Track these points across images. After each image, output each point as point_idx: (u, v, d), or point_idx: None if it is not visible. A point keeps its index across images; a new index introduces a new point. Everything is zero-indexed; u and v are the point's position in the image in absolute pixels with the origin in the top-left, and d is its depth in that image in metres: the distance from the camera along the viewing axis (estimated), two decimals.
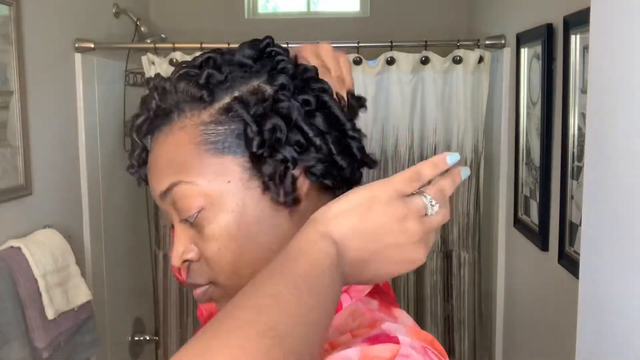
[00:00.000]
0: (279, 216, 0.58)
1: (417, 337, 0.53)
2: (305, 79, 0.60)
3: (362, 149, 0.63)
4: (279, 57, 0.60)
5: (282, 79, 0.59)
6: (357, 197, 0.52)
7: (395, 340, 0.51)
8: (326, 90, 0.60)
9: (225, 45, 2.30)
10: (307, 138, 0.58)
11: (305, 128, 0.58)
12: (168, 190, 0.58)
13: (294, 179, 0.58)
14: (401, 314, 0.59)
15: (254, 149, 0.56)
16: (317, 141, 0.58)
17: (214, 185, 0.57)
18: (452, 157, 0.55)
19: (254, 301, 0.45)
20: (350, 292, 0.60)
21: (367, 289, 0.61)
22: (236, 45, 0.63)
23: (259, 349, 0.41)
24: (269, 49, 0.61)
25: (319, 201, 0.60)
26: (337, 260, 0.50)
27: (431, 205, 0.53)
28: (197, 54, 0.64)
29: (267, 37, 0.63)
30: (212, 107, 0.58)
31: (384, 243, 0.51)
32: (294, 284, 0.46)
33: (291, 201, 0.58)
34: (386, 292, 0.64)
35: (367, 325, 0.56)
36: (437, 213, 0.53)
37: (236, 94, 0.59)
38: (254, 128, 0.57)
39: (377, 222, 0.51)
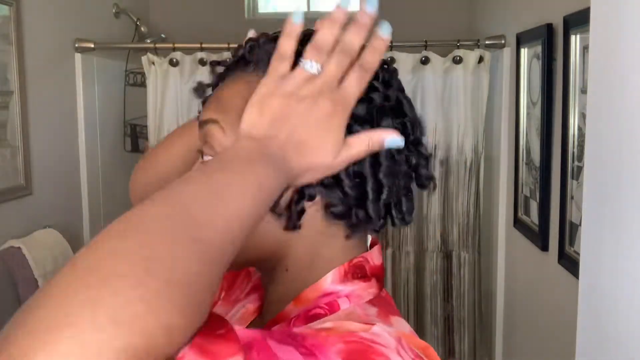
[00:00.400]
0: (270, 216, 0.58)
1: (410, 342, 0.52)
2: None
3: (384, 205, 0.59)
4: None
5: None
6: (251, 102, 0.54)
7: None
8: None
9: (225, 45, 2.32)
10: (337, 177, 0.56)
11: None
12: (206, 121, 0.59)
13: (302, 211, 0.56)
14: (398, 322, 0.58)
15: None
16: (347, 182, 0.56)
17: None
18: (296, 16, 0.55)
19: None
20: (350, 297, 0.60)
21: (368, 296, 0.60)
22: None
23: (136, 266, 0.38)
24: None
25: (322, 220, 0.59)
26: (257, 149, 0.51)
27: (308, 63, 0.54)
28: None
29: None
30: None
31: (292, 120, 0.53)
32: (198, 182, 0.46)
33: (291, 227, 0.57)
34: (388, 301, 0.63)
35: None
36: (328, 64, 0.54)
37: None
38: None
39: (275, 107, 0.53)
